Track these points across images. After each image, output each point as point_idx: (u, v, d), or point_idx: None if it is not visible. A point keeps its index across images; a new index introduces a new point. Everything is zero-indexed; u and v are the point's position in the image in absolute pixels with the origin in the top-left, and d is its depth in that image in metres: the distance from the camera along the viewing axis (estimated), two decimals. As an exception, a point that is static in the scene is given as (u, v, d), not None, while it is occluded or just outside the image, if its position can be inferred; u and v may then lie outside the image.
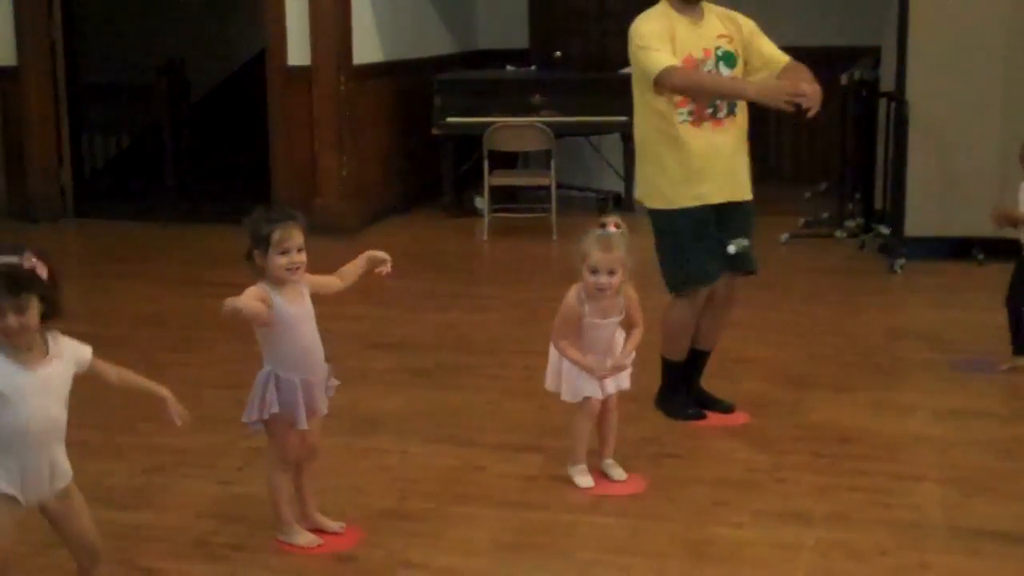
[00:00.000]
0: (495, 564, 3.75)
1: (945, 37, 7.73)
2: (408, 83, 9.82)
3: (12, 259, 3.00)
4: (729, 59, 4.81)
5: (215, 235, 9.04)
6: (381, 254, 3.94)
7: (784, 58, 4.91)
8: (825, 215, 9.12)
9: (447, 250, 8.72)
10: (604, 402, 4.33)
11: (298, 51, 8.91)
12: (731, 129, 4.83)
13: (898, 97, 7.77)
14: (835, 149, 9.52)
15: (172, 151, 11.32)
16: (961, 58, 7.69)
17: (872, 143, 8.75)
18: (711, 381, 5.18)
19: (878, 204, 8.64)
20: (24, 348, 3.04)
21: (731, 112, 4.80)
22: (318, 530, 3.90)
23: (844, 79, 8.74)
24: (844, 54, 9.47)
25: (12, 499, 3.08)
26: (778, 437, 4.79)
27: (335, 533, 3.91)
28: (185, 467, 4.56)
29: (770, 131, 11.06)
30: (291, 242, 3.65)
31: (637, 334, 4.31)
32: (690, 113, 4.73)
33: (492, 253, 8.73)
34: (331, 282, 3.87)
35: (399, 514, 4.09)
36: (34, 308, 3.00)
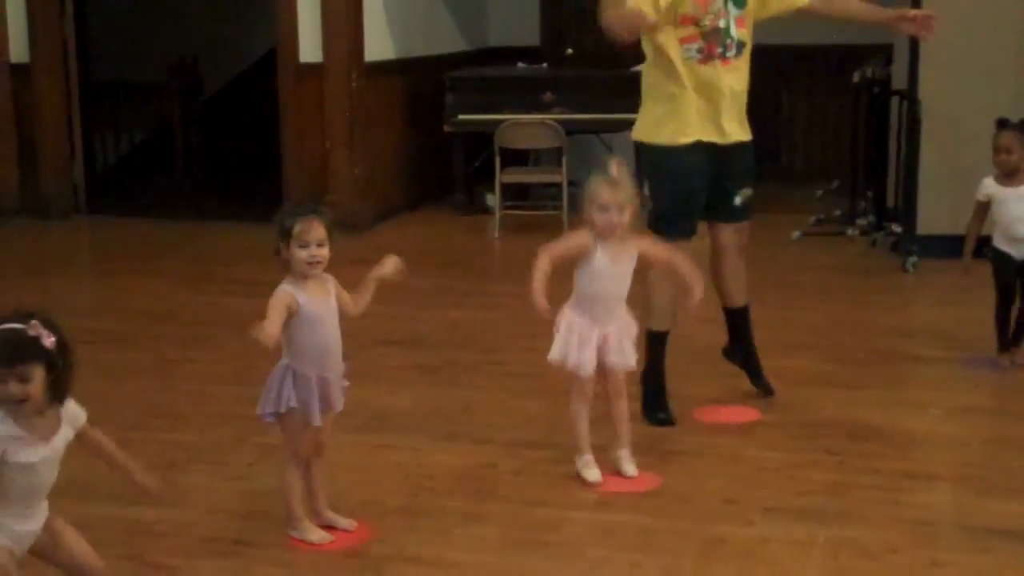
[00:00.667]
0: (504, 561, 3.75)
1: (957, 35, 7.68)
2: (419, 80, 9.82)
3: (17, 326, 2.93)
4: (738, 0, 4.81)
5: (226, 232, 9.09)
6: (387, 269, 3.89)
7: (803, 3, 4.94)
8: (837, 213, 9.11)
9: (457, 247, 8.72)
10: (607, 383, 4.31)
11: (310, 48, 8.92)
12: (741, 67, 4.84)
13: (910, 95, 7.75)
14: (847, 147, 9.50)
15: (184, 148, 11.33)
16: (973, 56, 7.66)
17: (884, 141, 8.72)
18: (725, 378, 5.17)
19: (890, 202, 8.61)
20: (33, 415, 2.98)
21: (739, 52, 4.80)
22: (329, 527, 3.90)
23: (856, 76, 8.72)
24: (856, 52, 9.46)
25: (11, 551, 3.07)
26: (789, 434, 4.78)
27: (345, 530, 3.91)
28: (195, 463, 4.56)
29: (782, 129, 11.05)
30: (311, 235, 3.65)
31: (680, 261, 4.31)
32: (699, 51, 4.73)
33: (503, 250, 8.72)
34: (349, 307, 3.84)
35: (410, 511, 4.08)
36: (38, 378, 2.92)
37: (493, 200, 9.08)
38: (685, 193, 4.84)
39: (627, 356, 4.30)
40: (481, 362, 5.82)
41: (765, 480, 4.34)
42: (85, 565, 3.20)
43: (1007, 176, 5.45)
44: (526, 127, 8.94)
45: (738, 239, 5.04)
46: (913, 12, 5.08)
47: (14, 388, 2.91)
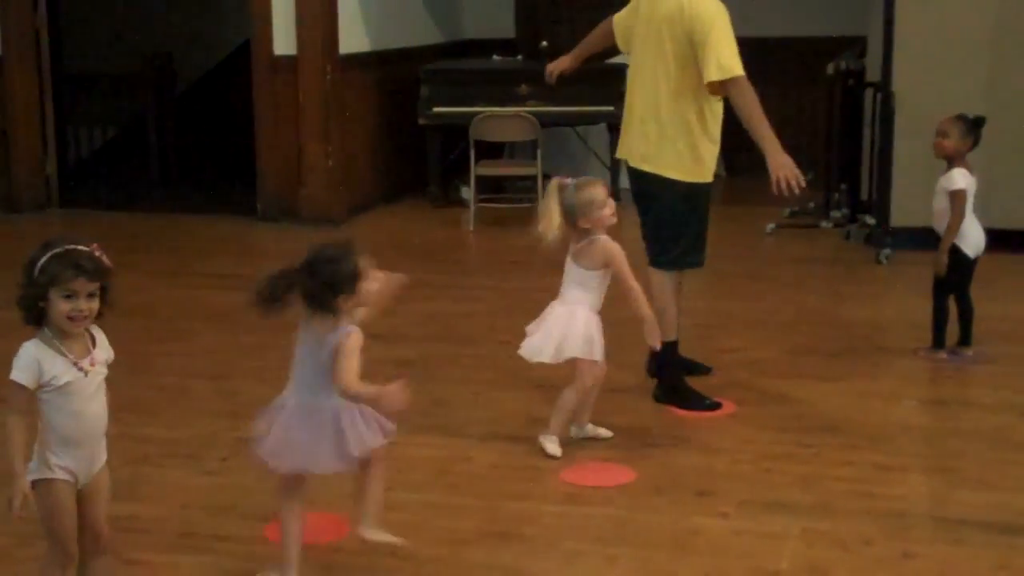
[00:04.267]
0: (480, 554, 3.75)
1: (931, 27, 7.74)
2: (394, 73, 9.80)
3: (85, 248, 3.06)
4: None
5: (201, 225, 9.06)
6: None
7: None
8: (811, 205, 9.13)
9: (433, 240, 8.70)
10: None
11: (284, 40, 8.88)
12: None
13: (884, 88, 7.78)
14: (821, 140, 9.51)
15: (158, 142, 11.27)
16: (947, 49, 7.70)
17: (858, 134, 8.75)
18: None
19: (864, 195, 8.66)
20: (78, 336, 3.07)
21: None
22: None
23: (830, 68, 8.74)
24: (830, 45, 9.48)
25: (71, 483, 3.13)
26: (764, 427, 4.80)
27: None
28: (170, 458, 4.55)
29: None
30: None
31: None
32: None
33: (478, 243, 8.73)
34: None
35: (386, 505, 4.04)
36: (98, 298, 3.06)
37: (468, 193, 9.07)
38: (698, 227, 5.07)
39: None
40: (457, 355, 5.82)
41: (740, 473, 4.36)
42: (100, 530, 3.24)
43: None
44: (501, 120, 8.94)
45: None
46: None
47: (84, 304, 3.02)
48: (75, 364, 3.06)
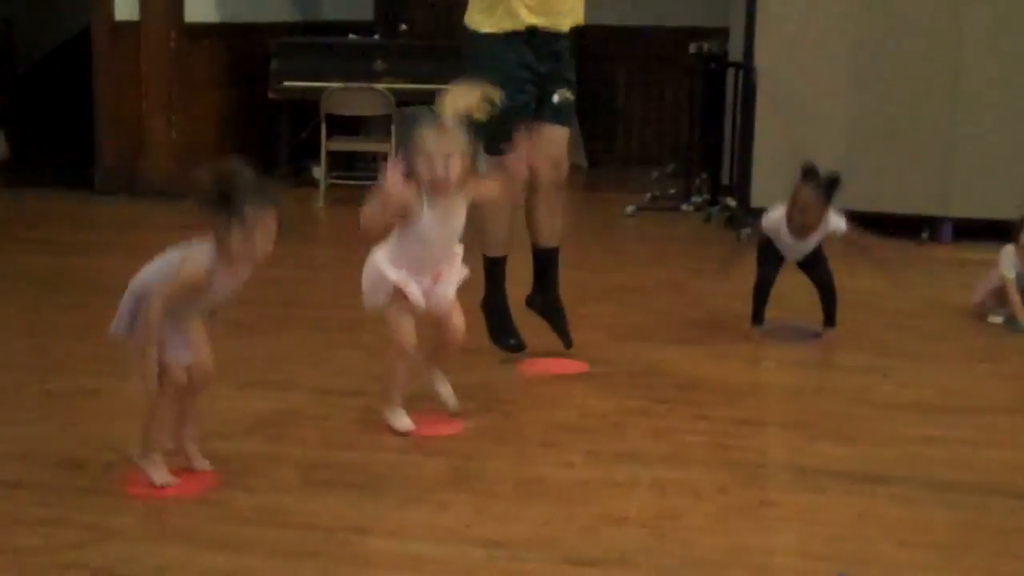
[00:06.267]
0: (301, 502, 3.40)
1: (794, 6, 7.61)
2: (245, 46, 9.37)
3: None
4: None
5: (33, 198, 8.61)
6: None
7: None
8: (672, 191, 8.96)
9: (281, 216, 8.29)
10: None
11: (126, 5, 8.44)
12: None
13: (746, 63, 7.61)
14: (683, 131, 9.34)
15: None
16: (810, 27, 7.58)
17: (720, 123, 8.60)
18: (550, 333, 4.89)
19: (725, 180, 8.50)
20: None
21: None
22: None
23: (692, 48, 8.57)
24: (690, 35, 9.29)
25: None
26: (616, 384, 4.53)
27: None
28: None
29: (617, 113, 10.89)
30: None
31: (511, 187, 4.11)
32: None
33: (328, 219, 8.36)
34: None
35: (206, 454, 3.64)
36: None
37: (319, 173, 8.69)
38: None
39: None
40: (296, 316, 5.48)
41: (589, 426, 4.08)
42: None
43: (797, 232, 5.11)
44: (354, 93, 8.59)
45: (555, 173, 4.73)
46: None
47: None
48: None
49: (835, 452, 3.86)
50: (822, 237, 5.16)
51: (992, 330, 5.45)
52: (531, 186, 4.66)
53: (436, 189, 3.82)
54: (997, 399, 4.51)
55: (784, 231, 5.14)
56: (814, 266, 5.24)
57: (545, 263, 4.85)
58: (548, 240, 4.81)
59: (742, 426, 4.10)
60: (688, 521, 3.31)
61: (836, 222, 5.12)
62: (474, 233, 4.35)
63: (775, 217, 5.18)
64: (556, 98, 4.67)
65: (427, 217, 3.84)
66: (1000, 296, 5.50)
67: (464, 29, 4.72)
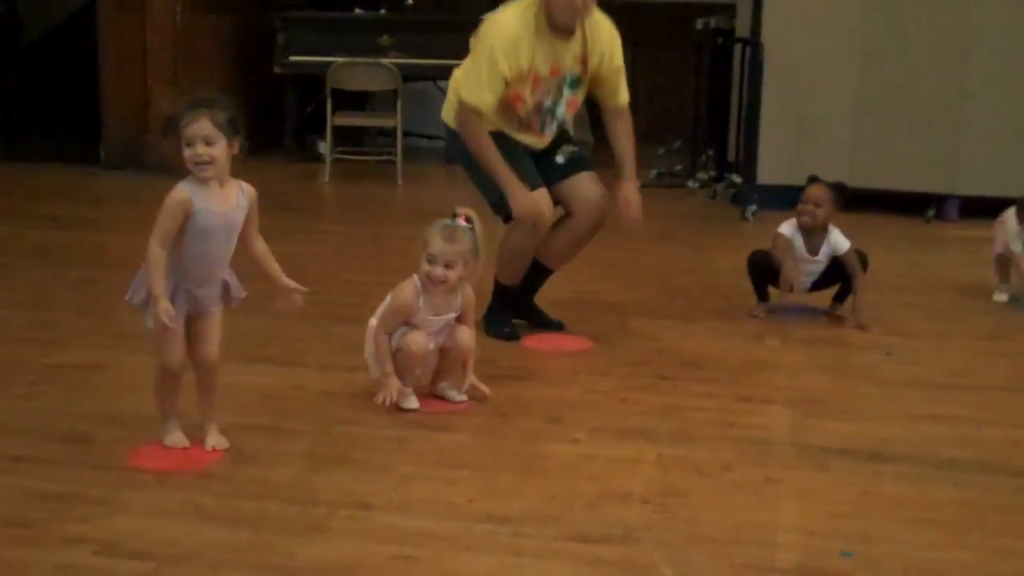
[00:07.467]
0: (306, 477, 3.40)
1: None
2: (251, 20, 9.35)
3: None
4: (575, 84, 4.68)
5: (40, 172, 8.59)
6: (290, 300, 3.79)
7: (622, 102, 4.83)
8: (678, 168, 8.94)
9: (285, 192, 8.29)
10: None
11: (131, -22, 8.44)
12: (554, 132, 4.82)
13: (753, 40, 7.59)
14: (690, 107, 9.32)
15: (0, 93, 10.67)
16: (817, 4, 7.56)
17: (727, 98, 8.57)
18: (558, 311, 4.89)
19: (731, 157, 8.48)
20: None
21: (560, 126, 4.79)
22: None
23: (699, 24, 8.54)
24: (697, 10, 9.25)
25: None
26: (621, 361, 4.53)
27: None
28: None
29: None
30: (195, 132, 3.37)
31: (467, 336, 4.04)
32: (519, 122, 4.66)
33: (333, 195, 8.36)
34: (251, 238, 3.76)
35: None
36: None
37: (324, 148, 8.67)
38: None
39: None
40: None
41: (593, 402, 4.08)
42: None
43: (807, 231, 5.18)
44: (360, 68, 8.56)
45: (588, 204, 4.82)
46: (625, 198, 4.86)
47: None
48: None
49: (840, 430, 3.86)
50: (828, 253, 5.15)
51: (997, 308, 5.45)
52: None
53: (433, 285, 3.92)
54: (1002, 377, 4.51)
55: (799, 241, 5.17)
56: (835, 275, 5.24)
57: (539, 279, 4.93)
58: (555, 265, 4.89)
59: (747, 403, 4.10)
60: (692, 498, 3.31)
61: (840, 240, 5.15)
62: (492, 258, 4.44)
63: (789, 224, 5.24)
64: (560, 158, 4.78)
65: (423, 310, 3.96)
66: (1000, 268, 5.50)
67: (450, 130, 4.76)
